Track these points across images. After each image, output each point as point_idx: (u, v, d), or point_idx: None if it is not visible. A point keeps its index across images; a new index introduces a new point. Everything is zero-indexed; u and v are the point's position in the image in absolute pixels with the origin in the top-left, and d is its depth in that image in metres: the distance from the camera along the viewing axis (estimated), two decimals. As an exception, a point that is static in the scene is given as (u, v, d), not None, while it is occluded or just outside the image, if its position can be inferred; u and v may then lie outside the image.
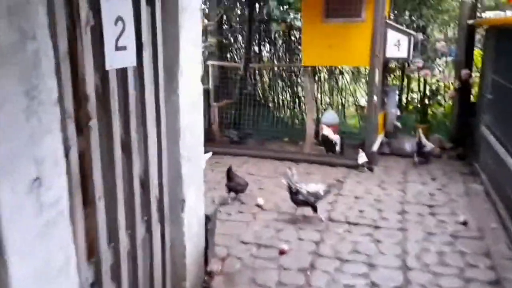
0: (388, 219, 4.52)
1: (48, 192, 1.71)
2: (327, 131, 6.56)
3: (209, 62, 7.47)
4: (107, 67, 2.16)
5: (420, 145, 6.29)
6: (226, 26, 8.39)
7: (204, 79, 7.30)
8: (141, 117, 2.59)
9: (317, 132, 6.92)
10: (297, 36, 8.17)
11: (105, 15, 2.11)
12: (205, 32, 7.66)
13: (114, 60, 2.21)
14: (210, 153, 5.47)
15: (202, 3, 8.14)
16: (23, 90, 1.56)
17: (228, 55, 8.48)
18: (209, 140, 7.10)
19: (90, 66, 2.05)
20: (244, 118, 7.74)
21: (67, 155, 1.90)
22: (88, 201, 2.15)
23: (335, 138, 6.57)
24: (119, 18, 2.23)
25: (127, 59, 2.33)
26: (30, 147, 1.61)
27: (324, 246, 3.93)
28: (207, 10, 7.53)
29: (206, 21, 7.36)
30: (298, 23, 7.03)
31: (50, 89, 1.69)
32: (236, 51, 8.66)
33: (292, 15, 6.94)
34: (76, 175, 1.99)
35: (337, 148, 6.57)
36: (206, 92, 7.26)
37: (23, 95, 1.56)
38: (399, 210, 4.76)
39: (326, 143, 6.60)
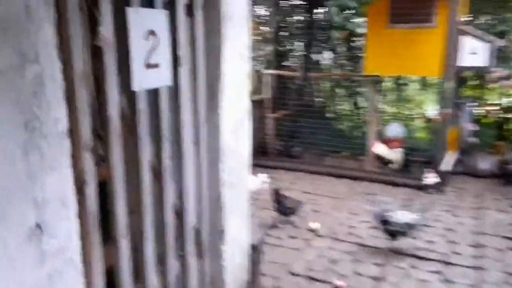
0: (460, 254, 3.94)
1: (52, 239, 1.46)
2: (379, 149, 6.04)
3: (266, 71, 7.18)
4: (135, 88, 1.90)
5: (503, 164, 5.55)
6: (284, 33, 8.06)
7: (260, 89, 7.02)
8: (177, 140, 2.31)
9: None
10: (359, 43, 7.66)
11: (133, 29, 1.85)
12: (263, 40, 7.40)
13: (144, 80, 1.95)
14: (265, 176, 5.18)
15: (258, 10, 7.93)
16: (21, 122, 1.32)
17: (286, 64, 8.14)
18: (263, 153, 6.80)
19: (113, 87, 1.80)
20: (301, 131, 7.35)
21: (80, 191, 1.65)
22: (109, 236, 1.90)
23: (391, 155, 6.03)
24: (151, 32, 1.96)
25: (160, 78, 2.06)
26: (28, 188, 1.36)
27: (385, 284, 3.46)
28: (258, 17, 7.26)
29: (263, 28, 7.08)
30: (360, 30, 6.55)
31: (56, 119, 1.44)
32: (295, 60, 8.30)
33: (354, 20, 6.47)
34: (93, 212, 1.74)
35: (395, 165, 6.03)
36: (261, 103, 6.96)
37: (21, 128, 1.32)
38: (473, 243, 4.15)
39: (380, 161, 6.09)
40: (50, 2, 1.38)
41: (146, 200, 2.07)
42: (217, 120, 2.55)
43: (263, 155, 6.65)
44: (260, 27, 7.53)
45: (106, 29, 1.72)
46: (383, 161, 6.08)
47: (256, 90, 6.98)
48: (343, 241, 4.21)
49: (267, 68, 7.21)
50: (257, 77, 7.09)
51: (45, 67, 1.38)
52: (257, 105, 6.89)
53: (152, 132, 2.14)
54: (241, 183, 2.89)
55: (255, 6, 7.83)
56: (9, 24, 1.24)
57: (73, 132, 1.60)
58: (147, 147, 2.05)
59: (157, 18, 2.01)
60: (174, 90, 2.23)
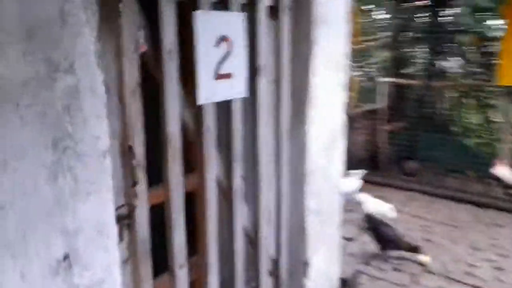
0: None
1: (85, 272, 1.29)
2: (502, 171, 5.09)
3: (381, 79, 6.61)
4: (201, 101, 1.69)
5: None
6: (404, 38, 7.37)
7: (374, 98, 6.48)
8: (253, 158, 2.06)
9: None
10: (492, 49, 6.64)
11: (202, 35, 1.63)
12: (378, 46, 6.86)
13: (212, 92, 1.72)
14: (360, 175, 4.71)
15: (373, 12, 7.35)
16: (48, 140, 1.16)
17: (405, 71, 7.43)
18: (373, 168, 6.25)
19: (174, 100, 1.60)
20: (419, 145, 6.61)
21: (129, 216, 1.47)
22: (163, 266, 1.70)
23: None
24: (223, 38, 1.73)
25: (233, 89, 1.82)
26: (56, 216, 1.20)
27: None
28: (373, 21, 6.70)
29: (380, 34, 6.54)
30: (494, 33, 5.66)
31: (95, 137, 1.27)
32: (415, 67, 7.54)
33: (487, 23, 5.61)
34: (143, 241, 1.55)
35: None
36: (375, 113, 6.42)
37: (48, 147, 1.16)
38: None
39: (502, 185, 5.16)
40: (92, 5, 1.21)
41: (211, 224, 1.85)
42: (303, 137, 2.24)
43: (373, 170, 6.11)
44: (377, 33, 6.99)
45: (167, 36, 1.52)
46: (506, 186, 5.16)
47: (368, 99, 6.47)
48: (458, 281, 3.55)
49: (383, 76, 6.64)
50: (371, 85, 6.57)
51: (82, 78, 1.21)
52: (370, 115, 6.37)
53: (222, 149, 1.91)
54: (331, 208, 2.53)
55: (373, 10, 7.31)
56: (35, 30, 1.09)
57: (122, 151, 1.43)
58: (214, 165, 1.83)
59: (232, 22, 1.77)
60: (251, 103, 1.98)
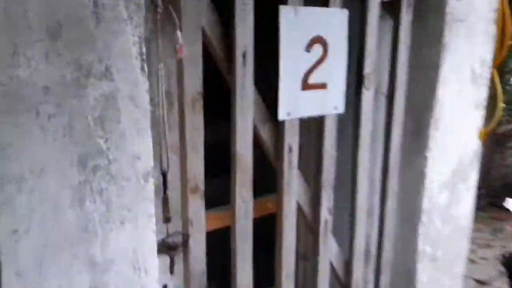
0: None
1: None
2: None
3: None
4: (283, 116, 1.39)
5: None
6: None
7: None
8: (347, 186, 1.70)
9: None
10: None
11: (287, 35, 1.34)
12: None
13: (298, 105, 1.41)
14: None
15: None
16: (74, 157, 0.98)
17: None
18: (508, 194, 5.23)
19: (247, 113, 1.33)
20: None
21: (184, 244, 1.25)
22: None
23: None
24: (317, 39, 1.40)
25: (326, 103, 1.48)
26: (81, 245, 1.02)
27: None
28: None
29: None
30: None
31: (135, 156, 1.06)
32: None
33: None
34: (198, 274, 1.32)
35: None
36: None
37: (74, 164, 0.99)
38: None
39: None
40: (138, -3, 1.00)
41: (288, 258, 1.53)
42: (420, 167, 1.79)
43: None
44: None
45: (242, 34, 1.25)
46: None
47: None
48: None
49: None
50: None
51: (121, 84, 1.01)
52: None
53: (308, 173, 1.59)
54: (452, 255, 2.01)
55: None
56: (61, 26, 0.91)
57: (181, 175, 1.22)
58: (296, 191, 1.51)
59: (331, 20, 1.43)
60: (351, 121, 1.61)
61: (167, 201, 1.13)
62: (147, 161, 1.09)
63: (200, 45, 1.19)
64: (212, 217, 1.38)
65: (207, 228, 1.32)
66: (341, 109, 1.52)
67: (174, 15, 1.01)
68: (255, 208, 1.41)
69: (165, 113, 1.12)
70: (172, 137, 1.21)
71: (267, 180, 1.49)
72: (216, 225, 1.40)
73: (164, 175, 1.12)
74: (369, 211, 1.79)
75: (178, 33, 1.00)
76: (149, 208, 1.11)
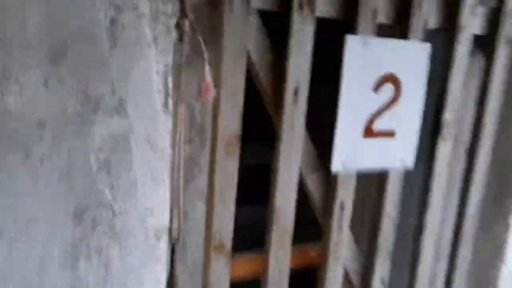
0: None
1: None
2: None
3: None
4: (337, 168, 1.14)
5: None
6: None
7: None
8: (407, 253, 1.41)
9: None
10: None
11: (352, 69, 1.09)
12: None
13: (357, 156, 1.16)
14: None
15: None
16: (70, 207, 0.80)
17: None
18: None
19: (293, 162, 1.09)
20: None
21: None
22: None
23: None
24: (389, 78, 1.14)
25: (393, 155, 1.21)
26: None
27: None
28: None
29: None
30: None
31: (148, 209, 0.86)
32: None
33: None
34: None
35: None
36: None
37: (69, 216, 0.80)
38: None
39: None
40: (168, 17, 0.80)
41: None
42: (501, 234, 1.47)
43: None
44: None
45: (295, 66, 1.02)
46: None
47: None
48: None
49: None
50: None
51: (136, 123, 0.81)
52: None
53: (360, 233, 1.32)
54: None
55: None
56: (65, 47, 0.73)
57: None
58: (345, 253, 1.25)
59: (407, 55, 1.16)
60: (424, 177, 1.33)
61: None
62: (162, 216, 0.88)
63: (243, 75, 0.97)
64: (241, 264, 1.15)
65: (235, 273, 1.10)
66: (410, 162, 1.24)
67: (203, 45, 0.79)
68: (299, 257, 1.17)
69: (181, 161, 0.90)
70: (200, 182, 1.00)
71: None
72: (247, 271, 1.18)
73: (173, 246, 0.90)
74: (431, 281, 1.49)
75: (207, 68, 0.78)
76: (159, 272, 0.90)
